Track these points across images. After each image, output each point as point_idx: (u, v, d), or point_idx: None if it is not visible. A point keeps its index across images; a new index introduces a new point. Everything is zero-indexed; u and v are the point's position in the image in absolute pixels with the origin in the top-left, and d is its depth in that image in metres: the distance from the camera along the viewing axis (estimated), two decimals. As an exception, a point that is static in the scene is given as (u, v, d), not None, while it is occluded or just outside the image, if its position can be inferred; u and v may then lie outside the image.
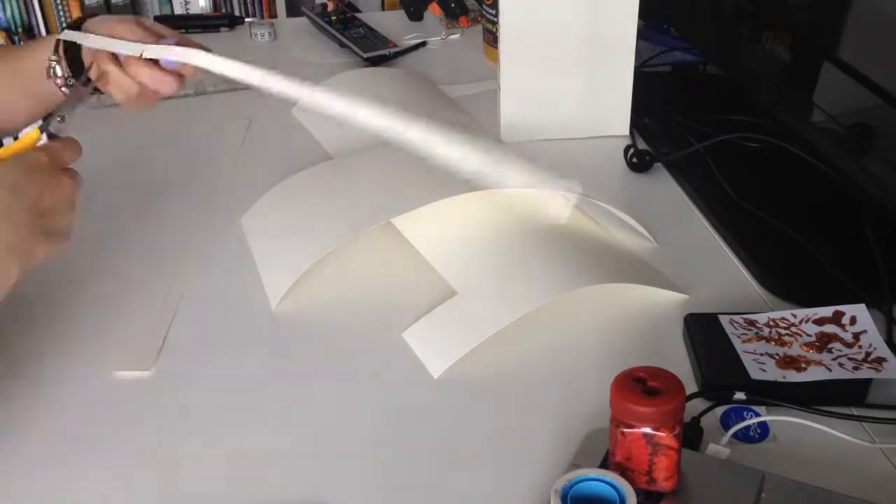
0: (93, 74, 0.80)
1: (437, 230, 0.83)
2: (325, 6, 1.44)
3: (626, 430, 0.52)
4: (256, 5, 2.34)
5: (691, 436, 0.62)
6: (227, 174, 1.00)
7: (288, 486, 0.61)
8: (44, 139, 0.68)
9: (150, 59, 0.78)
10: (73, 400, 0.68)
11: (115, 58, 0.79)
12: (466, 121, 1.10)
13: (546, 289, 0.74)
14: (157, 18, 1.58)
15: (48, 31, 2.30)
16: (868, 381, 0.65)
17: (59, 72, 0.81)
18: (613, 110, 1.05)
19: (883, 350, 0.67)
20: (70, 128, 1.04)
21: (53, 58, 0.81)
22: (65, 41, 0.81)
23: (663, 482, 0.54)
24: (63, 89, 0.82)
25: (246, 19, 1.56)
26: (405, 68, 1.29)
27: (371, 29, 1.37)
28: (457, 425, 0.65)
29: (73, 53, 0.81)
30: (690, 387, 0.67)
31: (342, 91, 1.13)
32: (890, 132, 0.74)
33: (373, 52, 1.29)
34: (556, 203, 0.87)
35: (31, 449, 0.64)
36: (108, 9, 2.28)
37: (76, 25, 0.82)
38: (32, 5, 2.26)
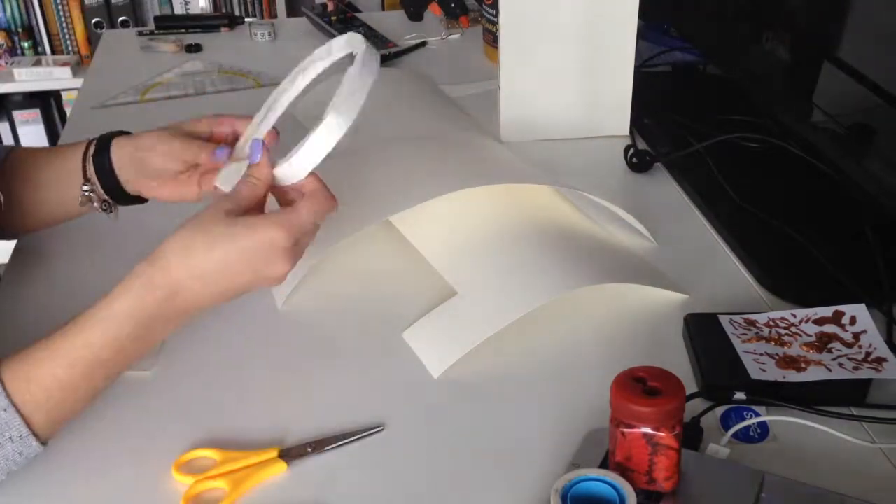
0: (132, 189, 0.78)
1: (437, 230, 0.83)
2: (325, 6, 1.44)
3: (626, 430, 0.52)
4: (256, 5, 2.33)
5: (691, 436, 0.62)
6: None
7: (289, 485, 0.61)
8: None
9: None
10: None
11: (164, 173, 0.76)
12: (466, 121, 1.10)
13: (546, 289, 0.74)
14: (156, 18, 1.58)
15: (48, 32, 2.30)
16: (868, 381, 0.65)
17: (94, 200, 0.78)
18: (613, 110, 1.05)
19: (883, 350, 0.67)
20: (74, 128, 1.04)
21: (86, 188, 0.77)
22: (93, 157, 0.77)
23: (663, 482, 0.54)
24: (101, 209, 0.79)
25: (246, 19, 1.56)
26: (405, 68, 1.29)
27: (371, 29, 1.37)
28: (457, 425, 0.66)
29: (101, 165, 0.77)
30: (690, 387, 0.67)
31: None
32: (890, 132, 0.74)
33: (373, 52, 1.29)
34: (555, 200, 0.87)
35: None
36: (108, 9, 2.27)
37: (105, 142, 0.77)
38: (32, 5, 2.26)
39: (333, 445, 0.63)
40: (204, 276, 0.61)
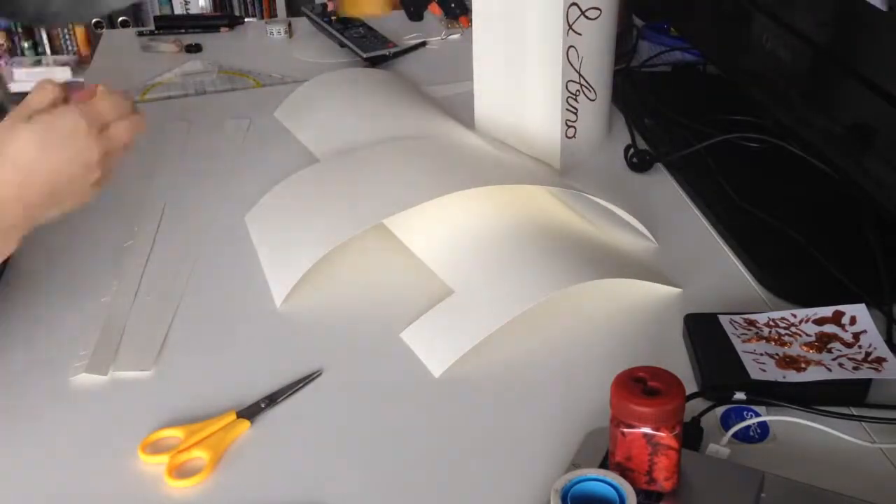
0: None
1: (430, 230, 0.83)
2: (325, 6, 1.44)
3: (626, 430, 0.52)
4: (256, 5, 2.34)
5: (691, 436, 0.62)
6: (229, 173, 1.00)
7: (289, 485, 0.61)
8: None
9: None
10: (73, 400, 0.68)
11: None
12: (457, 122, 1.09)
13: (542, 286, 0.74)
14: (156, 18, 1.58)
15: (48, 32, 2.30)
16: (868, 381, 0.65)
17: None
18: (546, 137, 0.98)
19: (883, 350, 0.67)
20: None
21: None
22: None
23: (663, 482, 0.54)
24: None
25: (246, 19, 1.56)
26: (405, 68, 1.29)
27: (371, 29, 1.37)
28: (457, 425, 0.65)
29: None
30: (690, 387, 0.67)
31: (321, 93, 1.13)
32: (890, 132, 0.74)
33: (373, 52, 1.29)
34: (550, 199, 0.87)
35: (30, 448, 0.64)
36: (108, 9, 2.28)
37: None
38: (32, 5, 2.27)
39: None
40: (17, 164, 0.59)
